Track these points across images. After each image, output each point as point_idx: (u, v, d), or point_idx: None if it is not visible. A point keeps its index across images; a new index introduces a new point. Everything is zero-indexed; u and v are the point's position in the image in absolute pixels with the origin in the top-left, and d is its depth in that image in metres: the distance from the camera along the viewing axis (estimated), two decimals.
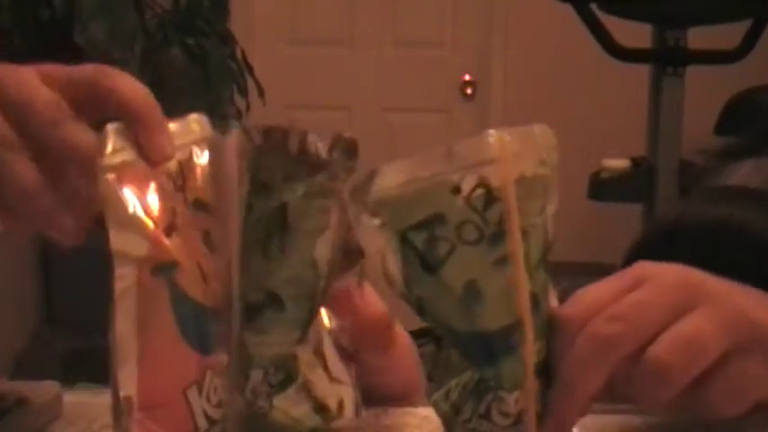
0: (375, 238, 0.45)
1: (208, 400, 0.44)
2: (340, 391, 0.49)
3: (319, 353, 0.49)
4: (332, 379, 0.49)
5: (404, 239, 0.45)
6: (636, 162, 2.62)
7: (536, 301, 0.45)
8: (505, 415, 0.45)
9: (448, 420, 0.47)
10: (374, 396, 0.55)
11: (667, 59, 2.44)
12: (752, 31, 2.53)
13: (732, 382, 0.48)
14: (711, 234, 0.71)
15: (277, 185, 0.46)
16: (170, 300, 0.43)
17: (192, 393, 0.43)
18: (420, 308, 0.46)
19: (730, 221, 0.72)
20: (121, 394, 0.42)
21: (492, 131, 0.45)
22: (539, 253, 0.45)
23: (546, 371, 0.46)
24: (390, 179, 0.45)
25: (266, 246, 0.47)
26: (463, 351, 0.46)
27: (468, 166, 0.44)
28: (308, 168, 0.46)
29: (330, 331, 0.50)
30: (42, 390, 0.57)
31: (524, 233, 0.45)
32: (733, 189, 0.78)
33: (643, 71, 2.59)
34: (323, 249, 0.47)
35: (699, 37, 2.45)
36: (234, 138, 0.47)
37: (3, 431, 0.51)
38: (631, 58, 2.54)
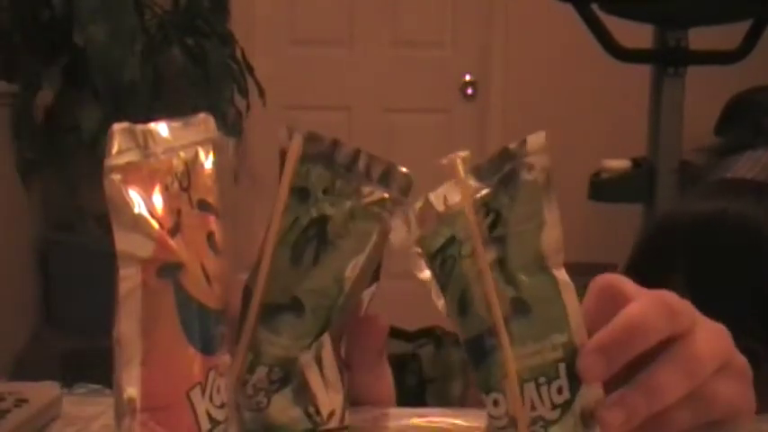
0: (422, 267, 0.49)
1: (211, 400, 0.44)
2: (333, 399, 0.50)
3: (319, 357, 0.50)
4: (327, 385, 0.50)
5: (430, 265, 0.48)
6: (636, 162, 2.62)
7: (522, 306, 0.46)
8: (491, 416, 0.47)
9: None
10: (362, 402, 0.56)
11: (668, 60, 2.44)
12: (752, 31, 2.53)
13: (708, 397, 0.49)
14: (707, 227, 0.71)
15: (316, 195, 0.48)
16: (175, 301, 0.42)
17: (196, 394, 0.43)
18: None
19: (726, 214, 0.72)
20: (125, 395, 0.42)
21: (453, 154, 0.48)
22: (527, 258, 0.47)
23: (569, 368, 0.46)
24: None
25: (300, 253, 0.48)
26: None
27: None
28: (354, 186, 0.48)
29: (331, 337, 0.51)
30: (42, 390, 0.57)
31: (501, 240, 0.47)
32: (730, 182, 0.79)
33: (643, 71, 2.59)
34: (353, 270, 0.48)
35: (699, 37, 2.45)
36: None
37: (3, 431, 0.51)
38: (632, 59, 2.54)
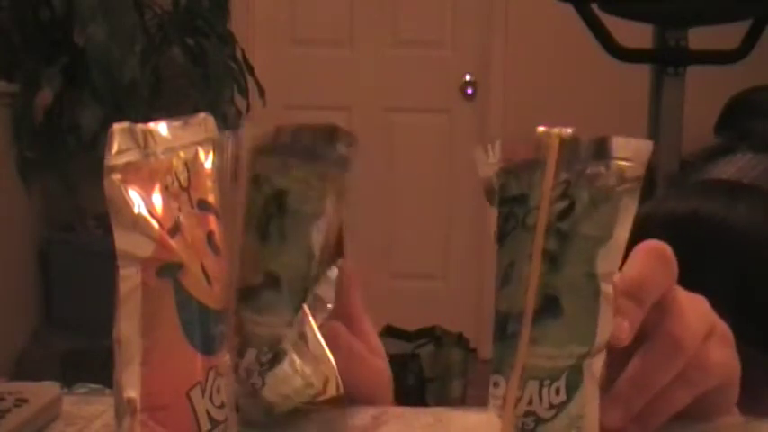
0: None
1: (211, 400, 0.44)
2: (324, 369, 0.51)
3: (302, 333, 0.51)
4: (315, 357, 0.51)
5: (498, 207, 0.47)
6: None
7: (555, 308, 0.45)
8: (491, 393, 0.46)
9: None
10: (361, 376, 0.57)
11: (668, 59, 2.44)
12: (752, 31, 2.53)
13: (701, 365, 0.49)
14: (678, 227, 0.73)
15: (269, 176, 0.50)
16: (175, 301, 0.43)
17: (196, 394, 0.43)
18: None
19: (696, 214, 0.74)
20: (125, 395, 0.42)
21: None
22: (580, 264, 0.45)
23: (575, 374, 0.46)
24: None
25: (265, 230, 0.50)
26: None
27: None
28: (301, 158, 0.50)
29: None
30: (42, 390, 0.57)
31: (564, 235, 0.45)
32: (706, 183, 0.80)
33: (643, 71, 2.59)
34: (317, 237, 0.50)
35: (699, 37, 2.45)
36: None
37: (3, 431, 0.51)
38: (632, 59, 2.54)
